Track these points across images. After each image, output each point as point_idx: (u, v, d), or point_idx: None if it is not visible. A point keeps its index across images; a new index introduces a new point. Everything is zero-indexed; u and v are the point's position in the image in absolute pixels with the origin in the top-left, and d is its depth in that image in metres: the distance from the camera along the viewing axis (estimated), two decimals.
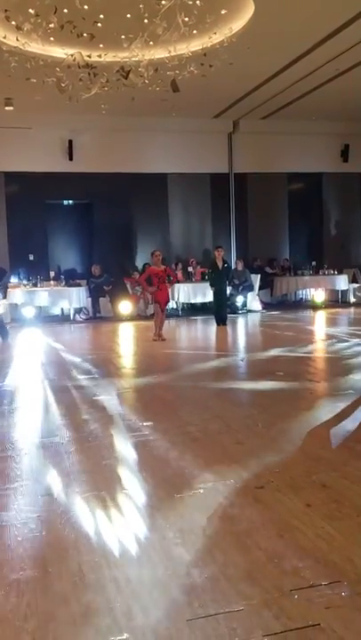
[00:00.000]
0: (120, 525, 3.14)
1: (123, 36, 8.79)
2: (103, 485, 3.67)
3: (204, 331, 12.47)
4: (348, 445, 4.34)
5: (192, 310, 15.19)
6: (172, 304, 14.48)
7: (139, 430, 4.86)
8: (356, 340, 9.48)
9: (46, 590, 2.55)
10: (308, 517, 3.14)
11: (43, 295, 14.08)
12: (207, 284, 12.88)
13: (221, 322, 12.28)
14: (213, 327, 12.26)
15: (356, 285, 16.66)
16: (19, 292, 14.00)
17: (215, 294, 12.47)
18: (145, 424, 5.05)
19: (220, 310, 12.43)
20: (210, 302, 13.61)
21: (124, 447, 4.44)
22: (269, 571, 2.63)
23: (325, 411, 5.32)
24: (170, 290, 11.77)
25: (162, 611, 2.37)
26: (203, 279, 14.42)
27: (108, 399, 6.05)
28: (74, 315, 14.52)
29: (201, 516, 3.20)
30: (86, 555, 2.83)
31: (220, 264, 12.21)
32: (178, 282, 14.50)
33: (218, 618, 2.30)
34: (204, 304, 14.71)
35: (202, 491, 3.53)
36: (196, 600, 2.42)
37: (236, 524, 3.11)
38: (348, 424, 4.88)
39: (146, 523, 3.15)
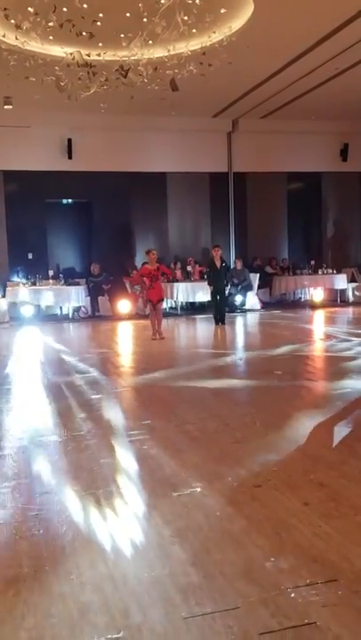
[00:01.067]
0: (117, 524, 3.14)
1: (122, 35, 8.80)
2: (101, 484, 3.67)
3: (203, 330, 12.46)
4: (347, 444, 4.34)
5: (191, 309, 15.20)
6: (170, 303, 14.52)
7: (136, 429, 4.86)
8: (355, 339, 9.48)
9: (43, 588, 2.56)
10: (305, 516, 3.14)
11: (41, 294, 14.09)
12: (206, 283, 12.89)
13: (220, 321, 12.29)
14: (212, 326, 12.27)
15: (354, 284, 16.67)
16: (17, 290, 14.00)
17: (214, 293, 12.48)
18: (143, 422, 5.05)
19: (219, 309, 12.43)
20: (208, 301, 13.63)
21: (122, 446, 4.44)
22: (266, 569, 2.63)
23: (324, 410, 5.32)
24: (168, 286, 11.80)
25: (159, 609, 2.37)
26: (201, 278, 14.42)
27: (106, 398, 6.06)
28: (73, 313, 14.54)
29: (198, 514, 3.21)
30: (83, 553, 2.84)
31: (218, 263, 12.21)
32: (176, 280, 14.52)
33: (214, 616, 2.31)
34: (202, 303, 14.73)
35: (199, 489, 3.54)
36: (192, 598, 2.43)
37: (234, 522, 3.11)
38: (347, 423, 4.88)
39: (143, 521, 3.16)
